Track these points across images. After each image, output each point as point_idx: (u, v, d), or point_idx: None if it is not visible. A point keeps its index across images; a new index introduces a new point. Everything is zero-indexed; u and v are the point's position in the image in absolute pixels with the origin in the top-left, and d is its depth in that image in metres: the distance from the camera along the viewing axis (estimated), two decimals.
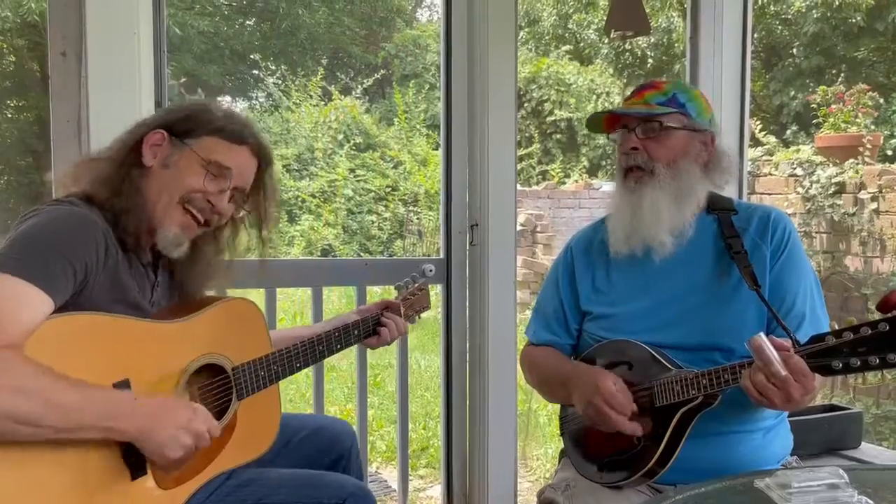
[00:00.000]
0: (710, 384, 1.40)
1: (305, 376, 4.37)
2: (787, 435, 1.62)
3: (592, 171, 12.64)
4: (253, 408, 1.52)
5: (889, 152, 10.10)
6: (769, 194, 6.50)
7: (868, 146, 6.16)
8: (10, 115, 11.72)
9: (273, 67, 14.94)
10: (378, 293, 6.40)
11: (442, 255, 2.45)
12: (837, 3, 10.98)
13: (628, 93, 1.72)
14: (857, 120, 6.62)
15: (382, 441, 4.37)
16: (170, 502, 1.36)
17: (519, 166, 9.93)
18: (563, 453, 1.78)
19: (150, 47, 2.03)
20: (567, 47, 14.38)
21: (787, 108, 12.09)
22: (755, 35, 11.98)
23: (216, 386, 1.47)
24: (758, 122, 8.39)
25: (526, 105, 12.70)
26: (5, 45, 10.75)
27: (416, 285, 1.90)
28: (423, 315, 1.95)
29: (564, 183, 11.67)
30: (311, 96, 12.10)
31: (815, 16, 11.44)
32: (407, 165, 11.22)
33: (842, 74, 10.32)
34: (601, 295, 1.68)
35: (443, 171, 2.45)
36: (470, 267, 2.43)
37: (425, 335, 6.82)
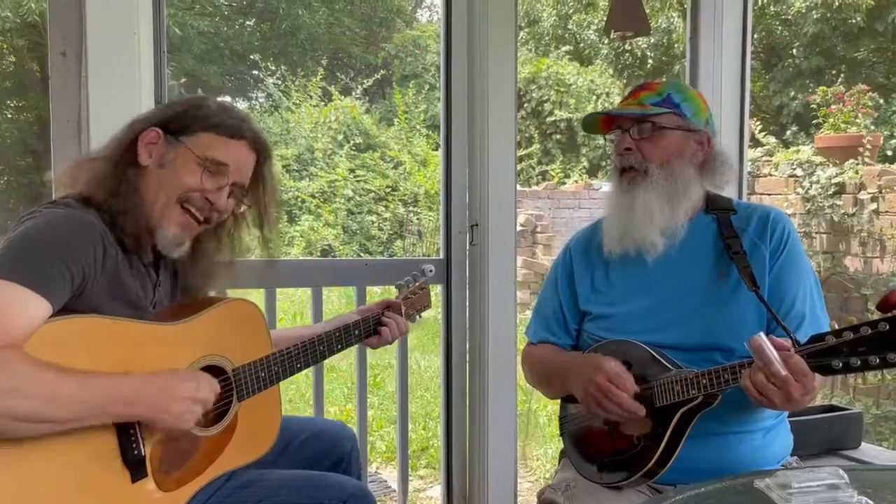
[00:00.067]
0: (710, 384, 1.40)
1: (305, 377, 4.36)
2: (787, 435, 1.62)
3: (592, 172, 12.65)
4: (253, 409, 1.51)
5: (889, 153, 10.11)
6: (769, 195, 6.50)
7: (868, 147, 6.17)
8: (10, 116, 11.72)
9: (273, 68, 14.94)
10: (378, 293, 6.39)
11: (442, 256, 2.45)
12: (837, 3, 10.99)
13: (627, 94, 1.72)
14: (857, 120, 6.63)
15: (382, 441, 4.37)
16: None
17: (519, 167, 9.96)
18: (562, 454, 1.78)
19: (150, 47, 2.03)
20: (567, 48, 14.38)
21: (786, 108, 12.09)
22: (755, 35, 11.98)
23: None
24: (758, 123, 8.39)
25: (526, 105, 12.70)
26: (5, 45, 10.76)
27: (417, 284, 1.90)
28: (424, 315, 1.95)
29: (564, 183, 11.67)
30: (311, 97, 12.10)
31: (814, 16, 11.44)
32: (407, 166, 11.22)
33: (842, 75, 10.33)
34: (600, 295, 1.68)
35: (443, 172, 2.45)
36: (470, 267, 2.43)
37: (425, 335, 6.82)
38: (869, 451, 2.27)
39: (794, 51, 12.46)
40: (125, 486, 1.28)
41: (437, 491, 3.53)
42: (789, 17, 12.26)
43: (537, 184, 11.70)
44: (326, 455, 1.71)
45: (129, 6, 1.94)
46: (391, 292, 1.90)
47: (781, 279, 1.53)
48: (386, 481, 3.73)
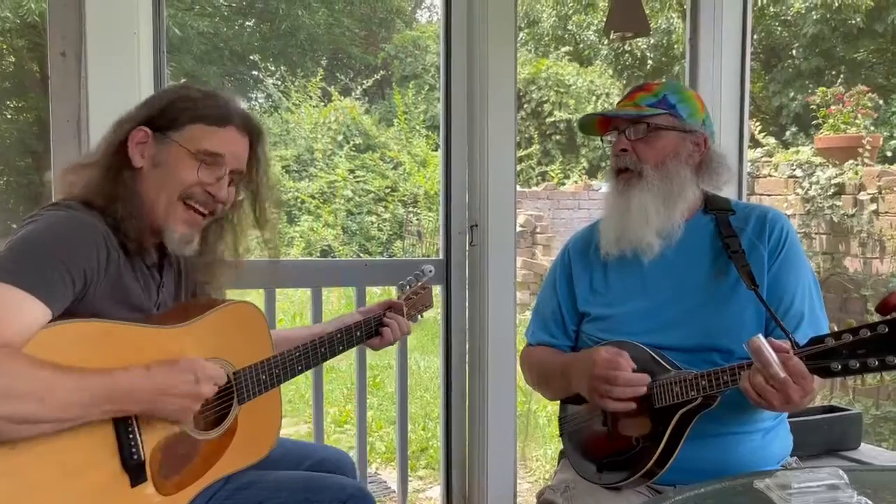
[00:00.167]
0: (709, 385, 1.40)
1: (304, 377, 4.36)
2: (787, 436, 1.62)
3: (592, 173, 12.65)
4: (254, 411, 1.51)
5: (888, 153, 10.12)
6: (769, 195, 6.51)
7: (867, 147, 6.17)
8: (9, 116, 11.72)
9: (272, 68, 14.93)
10: (378, 294, 6.40)
11: (441, 256, 2.45)
12: (837, 4, 10.99)
13: (625, 95, 1.72)
14: (857, 121, 6.64)
15: (382, 442, 4.37)
16: None
17: (518, 167, 9.92)
18: (562, 454, 1.78)
19: (149, 48, 2.03)
20: (567, 48, 14.39)
21: (786, 109, 12.10)
22: (755, 36, 11.99)
23: (217, 391, 1.45)
24: (757, 124, 8.40)
25: (525, 106, 12.70)
26: (5, 46, 10.76)
27: (420, 283, 1.88)
28: (424, 315, 1.94)
29: (564, 184, 11.68)
30: (310, 97, 12.10)
31: (814, 17, 11.45)
32: (406, 166, 11.22)
33: (841, 76, 10.34)
34: (598, 296, 1.68)
35: (442, 172, 2.45)
36: (469, 268, 2.43)
37: (425, 336, 6.82)
38: (868, 451, 2.27)
39: (794, 51, 12.47)
40: (124, 491, 1.27)
41: (436, 491, 3.53)
42: (789, 17, 12.27)
43: (537, 184, 11.71)
44: None
45: (128, 6, 1.94)
46: (391, 293, 1.90)
47: (780, 278, 1.53)
48: (385, 482, 3.74)
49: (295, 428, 4.58)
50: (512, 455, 2.46)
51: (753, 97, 11.81)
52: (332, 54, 15.61)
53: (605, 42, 13.58)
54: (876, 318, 1.20)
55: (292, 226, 10.29)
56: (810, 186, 6.23)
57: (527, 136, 12.64)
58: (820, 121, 6.90)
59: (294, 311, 7.64)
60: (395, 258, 9.94)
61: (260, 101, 15.39)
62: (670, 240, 1.58)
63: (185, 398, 1.28)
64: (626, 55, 13.57)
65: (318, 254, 10.08)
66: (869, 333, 1.20)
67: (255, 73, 15.14)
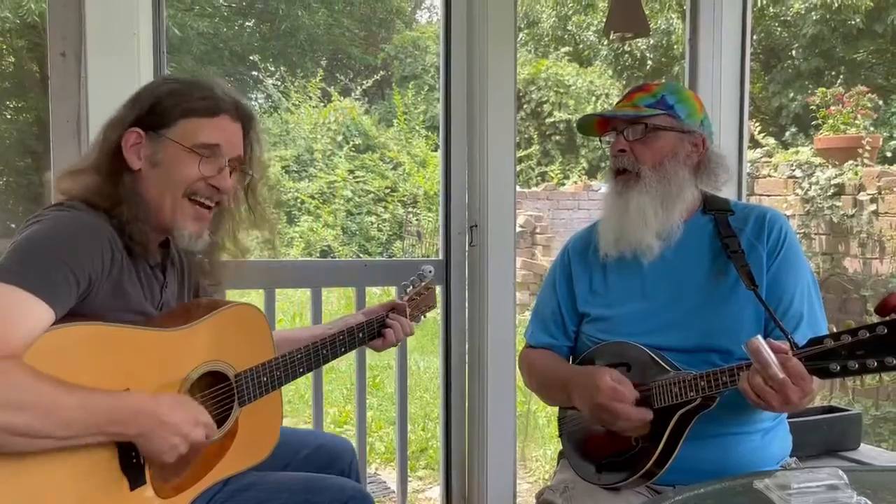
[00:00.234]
0: (708, 386, 1.40)
1: (304, 378, 4.37)
2: (786, 436, 1.62)
3: (591, 173, 12.65)
4: (254, 413, 1.50)
5: (888, 154, 10.12)
6: (768, 196, 6.51)
7: (867, 148, 6.18)
8: (9, 116, 11.71)
9: (272, 69, 14.94)
10: (377, 294, 6.40)
11: (441, 257, 2.45)
12: (837, 4, 11.00)
13: (623, 95, 1.72)
14: (857, 122, 6.64)
15: (381, 442, 4.37)
16: None
17: (518, 168, 9.89)
18: (561, 455, 1.78)
19: (149, 48, 2.03)
20: (566, 49, 14.39)
21: (786, 109, 12.11)
22: (754, 37, 11.99)
23: (218, 393, 1.45)
24: (757, 124, 8.41)
25: (525, 106, 12.71)
26: (5, 46, 10.75)
27: (423, 284, 1.87)
28: (426, 315, 1.94)
29: (563, 184, 11.68)
30: (310, 97, 12.10)
31: (814, 18, 11.46)
32: (406, 167, 11.22)
33: (841, 76, 10.35)
34: (598, 297, 1.68)
35: (442, 173, 2.45)
36: (469, 268, 2.43)
37: (424, 336, 6.82)
38: (868, 451, 2.27)
39: (794, 52, 12.47)
40: (123, 494, 1.27)
41: (436, 492, 3.53)
42: (788, 18, 12.27)
43: (536, 185, 11.71)
44: (326, 469, 1.68)
45: (128, 7, 1.94)
46: (391, 293, 1.89)
47: (779, 279, 1.53)
48: (385, 482, 3.74)
49: None
50: (511, 455, 2.46)
51: (753, 98, 11.81)
52: (331, 55, 15.61)
53: (605, 42, 13.57)
54: (875, 318, 1.21)
55: (292, 226, 10.29)
56: (810, 187, 6.23)
57: (526, 136, 12.64)
58: (819, 121, 6.91)
59: (294, 312, 7.64)
60: (394, 258, 9.94)
61: (260, 101, 15.38)
62: (669, 241, 1.58)
63: (179, 437, 1.26)
64: (626, 56, 13.57)
65: (318, 254, 10.08)
66: (868, 334, 1.20)
67: (254, 73, 15.14)
